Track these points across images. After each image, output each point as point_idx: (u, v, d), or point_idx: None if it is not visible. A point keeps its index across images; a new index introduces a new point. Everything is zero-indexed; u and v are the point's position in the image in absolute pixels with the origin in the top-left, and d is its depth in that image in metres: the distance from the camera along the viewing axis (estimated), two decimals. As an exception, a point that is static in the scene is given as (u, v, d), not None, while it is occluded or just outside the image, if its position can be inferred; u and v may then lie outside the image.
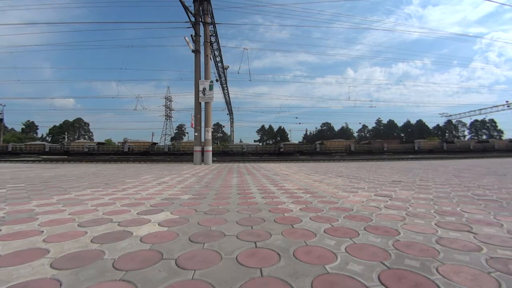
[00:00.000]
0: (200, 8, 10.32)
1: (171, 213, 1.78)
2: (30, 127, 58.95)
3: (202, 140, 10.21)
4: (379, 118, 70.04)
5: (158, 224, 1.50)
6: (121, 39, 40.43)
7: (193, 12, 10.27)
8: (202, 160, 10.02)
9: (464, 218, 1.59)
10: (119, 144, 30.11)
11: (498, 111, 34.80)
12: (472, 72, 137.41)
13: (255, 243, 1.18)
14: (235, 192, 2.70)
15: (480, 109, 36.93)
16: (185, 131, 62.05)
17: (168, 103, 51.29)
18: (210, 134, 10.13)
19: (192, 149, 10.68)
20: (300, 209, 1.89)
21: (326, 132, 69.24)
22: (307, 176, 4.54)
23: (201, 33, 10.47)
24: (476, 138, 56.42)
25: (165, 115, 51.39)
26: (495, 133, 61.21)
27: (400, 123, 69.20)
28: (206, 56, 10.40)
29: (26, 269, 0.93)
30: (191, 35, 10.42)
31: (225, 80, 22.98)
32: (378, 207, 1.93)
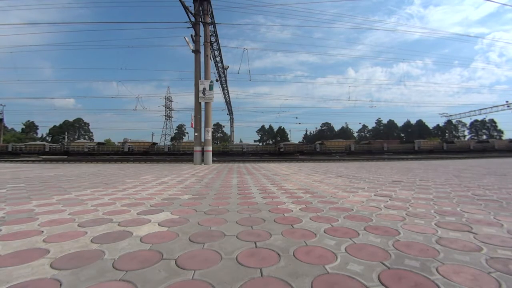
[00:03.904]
0: (200, 8, 10.32)
1: (171, 213, 1.78)
2: (30, 127, 58.88)
3: (202, 140, 10.21)
4: (379, 118, 69.99)
5: (158, 224, 1.50)
6: (121, 39, 40.42)
7: (193, 12, 10.28)
8: (202, 160, 10.02)
9: (464, 218, 1.59)
10: (119, 144, 30.06)
11: (498, 111, 34.83)
12: (473, 72, 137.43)
13: (255, 243, 1.18)
14: (235, 192, 2.69)
15: (480, 109, 36.94)
16: (185, 131, 62.03)
17: (168, 103, 51.32)
18: (210, 134, 10.14)
19: (192, 149, 10.68)
20: (300, 209, 1.89)
21: (326, 132, 69.18)
22: (307, 176, 4.54)
23: (201, 33, 10.48)
24: (476, 138, 56.37)
25: (165, 115, 51.41)
26: (495, 133, 61.14)
27: (400, 123, 69.20)
28: (206, 56, 10.41)
29: (26, 269, 0.93)
30: (191, 35, 10.42)
31: (225, 80, 22.97)
32: (378, 207, 1.93)
